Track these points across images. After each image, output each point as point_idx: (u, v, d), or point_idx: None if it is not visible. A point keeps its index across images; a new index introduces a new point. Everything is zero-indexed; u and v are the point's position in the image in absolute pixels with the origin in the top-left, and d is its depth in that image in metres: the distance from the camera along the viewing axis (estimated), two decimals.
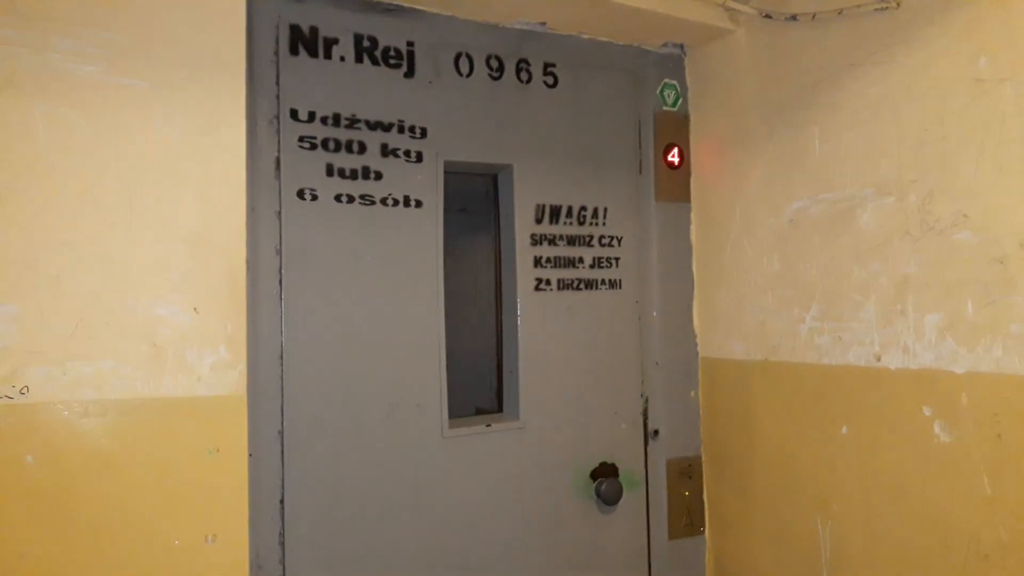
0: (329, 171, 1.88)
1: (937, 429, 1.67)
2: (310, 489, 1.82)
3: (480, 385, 2.72)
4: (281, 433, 1.79)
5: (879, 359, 1.79)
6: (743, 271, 2.19)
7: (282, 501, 1.78)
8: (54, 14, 1.48)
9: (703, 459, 2.35)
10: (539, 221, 2.18)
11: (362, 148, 1.92)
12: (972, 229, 1.59)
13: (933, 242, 1.67)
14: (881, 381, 1.79)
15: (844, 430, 1.89)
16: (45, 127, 1.47)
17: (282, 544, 1.78)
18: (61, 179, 1.48)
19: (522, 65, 2.16)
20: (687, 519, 2.32)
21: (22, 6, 1.46)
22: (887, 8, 1.76)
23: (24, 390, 1.42)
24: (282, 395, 1.80)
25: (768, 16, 2.06)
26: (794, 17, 1.98)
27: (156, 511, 1.52)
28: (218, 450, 1.57)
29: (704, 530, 2.34)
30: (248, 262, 1.68)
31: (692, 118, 2.39)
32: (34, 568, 1.43)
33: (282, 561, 1.77)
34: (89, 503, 1.47)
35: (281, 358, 1.80)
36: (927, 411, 1.69)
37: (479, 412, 2.42)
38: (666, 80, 2.37)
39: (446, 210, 2.04)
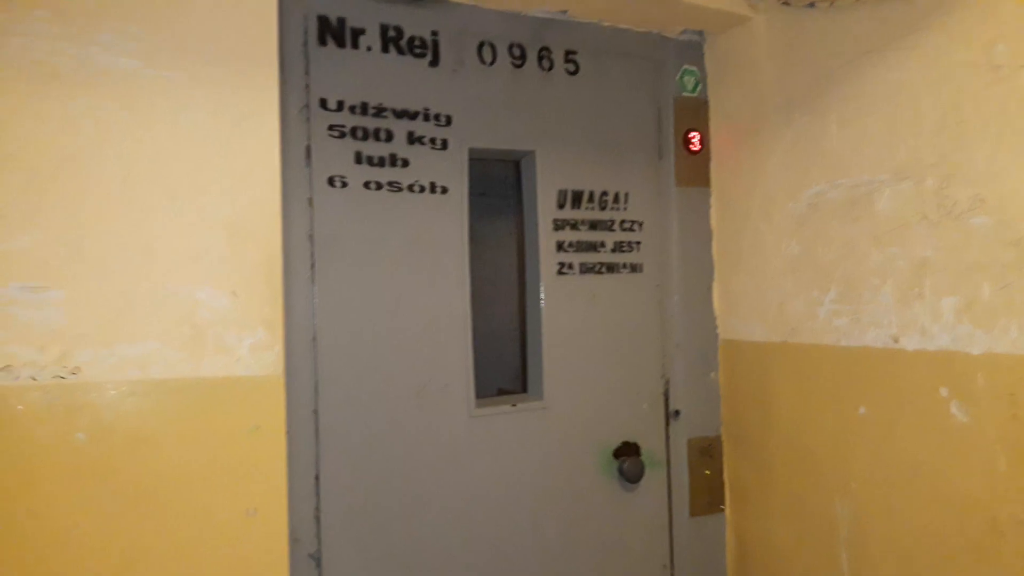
0: (358, 159, 1.93)
1: (954, 409, 1.71)
2: (343, 466, 1.88)
3: (500, 366, 2.76)
4: (315, 412, 1.85)
5: (896, 341, 1.83)
6: (762, 255, 2.23)
7: (317, 477, 1.85)
8: (95, 10, 1.53)
9: (723, 439, 2.40)
10: (561, 206, 2.22)
11: (389, 136, 1.97)
12: (989, 213, 1.62)
13: (950, 226, 1.70)
14: (898, 362, 1.82)
15: (862, 410, 1.92)
16: (88, 119, 1.53)
17: (317, 519, 1.85)
18: (104, 169, 1.54)
19: (544, 53, 2.19)
20: (708, 497, 2.37)
21: (65, 3, 1.51)
22: None
23: (75, 370, 1.49)
24: (316, 375, 1.86)
25: (787, 3, 2.08)
26: (812, 4, 2.01)
27: (200, 486, 1.59)
28: (258, 428, 1.63)
29: (724, 508, 2.39)
30: (282, 247, 1.73)
31: (711, 104, 2.42)
32: (85, 539, 1.50)
33: (318, 535, 1.84)
34: (136, 478, 1.54)
35: (314, 340, 1.86)
36: (944, 392, 1.72)
37: (500, 392, 2.47)
38: (685, 66, 2.40)
39: None
